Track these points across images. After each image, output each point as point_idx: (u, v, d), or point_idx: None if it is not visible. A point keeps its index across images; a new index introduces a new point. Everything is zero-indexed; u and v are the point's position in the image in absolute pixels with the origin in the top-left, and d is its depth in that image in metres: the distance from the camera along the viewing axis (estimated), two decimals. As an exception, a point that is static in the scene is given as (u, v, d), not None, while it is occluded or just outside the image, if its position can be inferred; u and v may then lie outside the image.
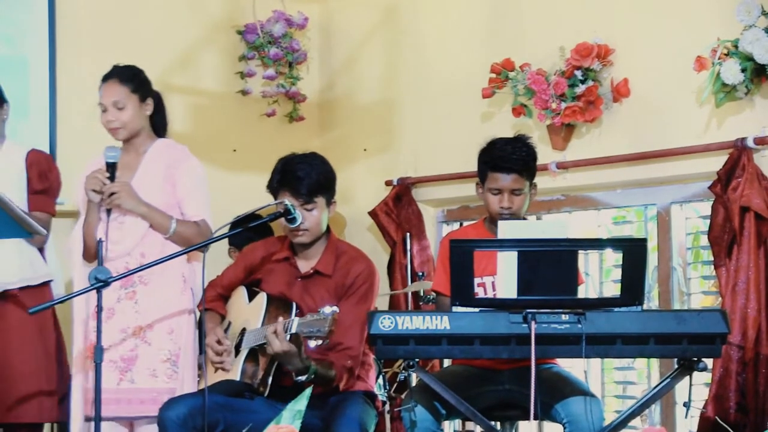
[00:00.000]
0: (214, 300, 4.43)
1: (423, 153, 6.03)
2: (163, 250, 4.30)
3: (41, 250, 4.73)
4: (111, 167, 4.27)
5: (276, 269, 4.33)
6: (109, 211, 4.28)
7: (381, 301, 5.68)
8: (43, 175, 4.68)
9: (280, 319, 3.99)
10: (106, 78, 4.43)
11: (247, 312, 4.31)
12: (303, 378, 3.96)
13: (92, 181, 4.27)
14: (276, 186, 4.23)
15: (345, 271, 4.22)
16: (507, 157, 4.20)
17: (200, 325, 4.50)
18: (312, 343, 3.87)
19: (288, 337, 3.92)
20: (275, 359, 4.03)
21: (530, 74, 5.27)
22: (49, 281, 4.70)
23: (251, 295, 4.38)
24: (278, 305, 4.21)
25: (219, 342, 4.24)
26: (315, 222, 4.20)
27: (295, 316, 4.12)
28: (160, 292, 4.30)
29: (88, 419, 4.25)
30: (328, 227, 4.32)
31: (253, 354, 4.18)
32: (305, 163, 4.22)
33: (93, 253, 4.29)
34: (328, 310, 3.84)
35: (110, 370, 4.21)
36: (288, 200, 4.15)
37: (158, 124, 4.53)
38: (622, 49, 5.10)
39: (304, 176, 4.17)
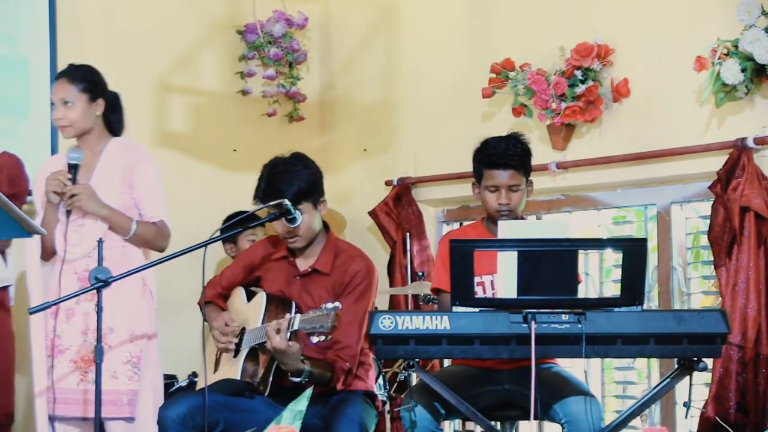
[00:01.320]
0: (216, 298, 4.43)
1: (423, 153, 6.03)
2: (123, 251, 4.32)
3: (2, 253, 4.71)
4: (73, 169, 4.27)
5: (275, 268, 4.33)
6: (68, 213, 4.28)
7: (381, 301, 5.68)
8: (12, 180, 4.66)
9: (287, 315, 3.99)
10: (59, 76, 4.44)
11: (246, 312, 4.31)
12: (297, 380, 3.96)
13: (53, 182, 4.27)
14: (261, 197, 4.21)
15: (343, 269, 4.22)
16: (502, 154, 4.21)
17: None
18: (314, 339, 3.86)
19: (288, 335, 3.92)
20: (273, 357, 4.02)
21: (530, 74, 5.28)
22: (8, 286, 4.69)
23: (249, 296, 4.38)
24: (278, 304, 4.21)
25: (226, 324, 4.25)
26: (305, 227, 4.20)
27: (295, 314, 4.12)
28: (120, 294, 4.24)
29: (50, 419, 4.26)
30: (327, 226, 4.33)
31: (254, 353, 4.18)
32: (286, 173, 4.18)
33: (50, 252, 4.33)
34: (330, 305, 3.84)
35: (71, 371, 4.23)
36: (274, 211, 4.14)
37: (115, 124, 4.50)
38: (622, 49, 5.11)
39: (285, 188, 4.14)
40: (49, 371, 4.25)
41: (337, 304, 3.85)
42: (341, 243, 4.36)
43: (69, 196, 4.24)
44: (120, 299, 4.26)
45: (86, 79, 4.41)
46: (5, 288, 4.69)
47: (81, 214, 4.30)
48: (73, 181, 4.27)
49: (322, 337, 3.84)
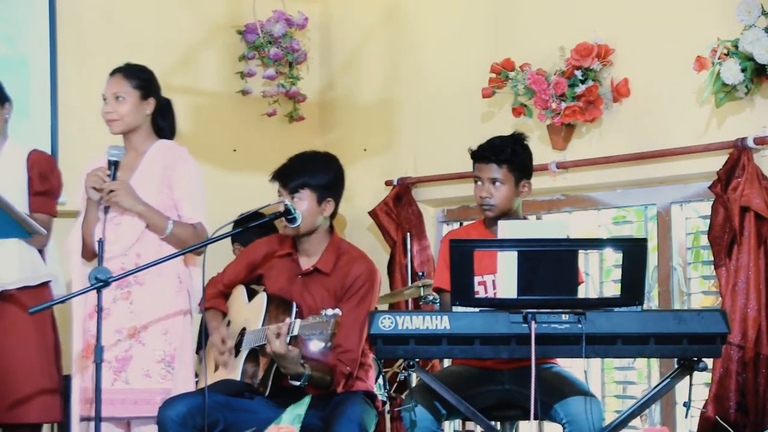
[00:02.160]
0: (215, 297, 4.43)
1: (423, 153, 6.03)
2: (159, 251, 4.30)
3: (42, 251, 4.73)
4: (113, 165, 4.27)
5: (278, 265, 4.34)
6: (106, 210, 4.28)
7: (381, 301, 5.68)
8: (44, 176, 4.68)
9: (287, 320, 3.99)
10: (114, 72, 4.46)
11: (247, 311, 4.31)
12: (297, 383, 3.96)
13: (93, 178, 4.27)
14: (273, 175, 4.28)
15: (345, 271, 4.22)
16: (486, 146, 4.27)
17: (202, 324, 4.51)
18: (313, 347, 3.86)
19: (288, 339, 3.92)
20: (273, 360, 4.03)
21: (530, 74, 5.28)
22: (49, 281, 4.70)
23: (250, 295, 4.39)
24: (278, 305, 4.21)
25: (223, 341, 4.25)
26: (303, 214, 4.20)
27: (296, 316, 4.12)
28: (155, 292, 4.28)
29: (83, 419, 4.26)
30: (332, 227, 4.33)
31: (254, 354, 4.18)
32: (305, 159, 4.27)
33: (92, 252, 4.30)
34: (330, 312, 3.83)
35: (105, 371, 4.19)
36: (280, 190, 4.20)
37: (165, 129, 4.53)
38: (622, 49, 5.11)
39: (294, 170, 4.22)
40: (84, 372, 4.26)
41: (337, 311, 3.84)
42: (344, 244, 4.36)
43: (107, 191, 4.25)
44: (155, 297, 4.27)
45: (141, 77, 4.45)
46: (46, 284, 4.69)
47: (119, 212, 4.30)
48: (113, 177, 4.27)
49: (321, 345, 3.84)
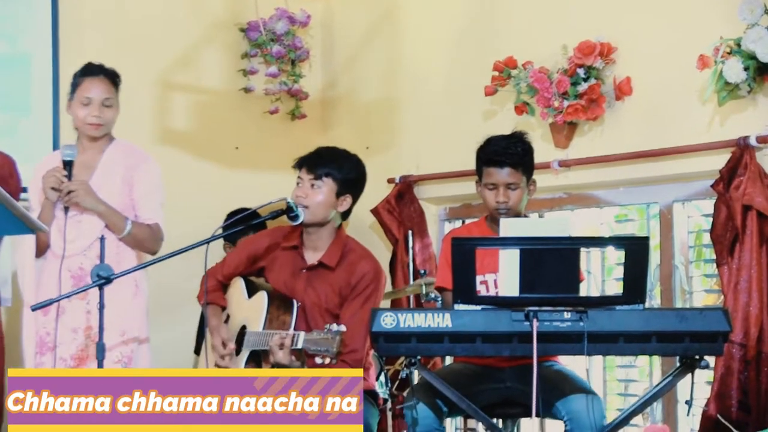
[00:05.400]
0: (214, 290, 4.41)
1: (425, 151, 6.03)
2: (118, 251, 4.33)
3: None
4: (68, 165, 4.29)
5: (282, 258, 4.33)
6: (66, 209, 4.29)
7: (383, 299, 5.68)
8: (2, 179, 4.65)
9: (290, 332, 3.99)
10: (95, 73, 4.44)
11: (247, 309, 4.30)
12: None
13: (50, 179, 4.30)
14: (300, 161, 4.33)
15: (351, 269, 4.22)
16: (501, 152, 4.23)
17: (200, 325, 4.51)
18: (318, 360, 3.86)
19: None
20: (276, 368, 4.02)
21: (533, 72, 5.27)
22: None
23: (249, 288, 4.37)
24: (279, 305, 4.20)
25: (224, 344, 4.24)
26: (314, 201, 4.22)
27: (297, 314, 4.12)
28: (112, 294, 4.24)
29: None
30: (340, 225, 4.34)
31: (255, 355, 4.17)
32: (335, 150, 4.37)
33: (44, 248, 4.35)
34: (335, 328, 3.83)
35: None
36: (302, 174, 4.26)
37: None
38: (625, 47, 5.10)
39: (320, 152, 4.32)
40: (39, 368, 4.25)
41: (342, 327, 3.85)
42: (351, 242, 4.36)
43: (66, 192, 4.26)
44: (112, 300, 4.26)
45: (118, 81, 4.47)
46: None
47: (79, 210, 4.31)
48: (69, 177, 4.29)
49: (327, 360, 3.84)
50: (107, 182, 4.37)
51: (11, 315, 4.72)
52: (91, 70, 4.46)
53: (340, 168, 4.26)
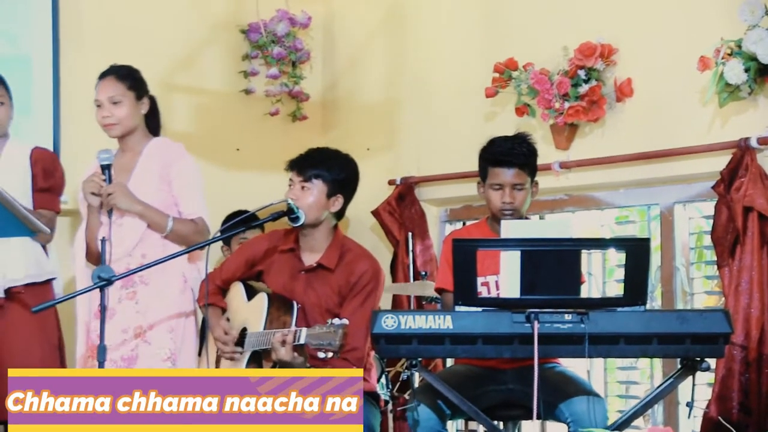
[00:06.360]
0: (213, 294, 4.41)
1: (426, 152, 6.03)
2: (164, 250, 4.32)
3: (45, 247, 4.73)
4: (106, 169, 4.31)
5: (280, 261, 4.33)
6: (110, 213, 4.30)
7: (384, 300, 5.67)
8: (47, 173, 4.69)
9: (292, 328, 3.98)
10: (104, 75, 4.48)
11: (247, 311, 4.30)
12: None
13: (90, 184, 4.33)
14: (290, 163, 4.32)
15: (350, 268, 4.22)
16: (507, 152, 4.23)
17: (203, 326, 4.51)
18: (321, 354, 3.86)
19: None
20: (278, 365, 4.02)
21: (533, 74, 5.27)
22: (53, 279, 4.71)
23: (249, 293, 4.37)
24: (279, 306, 4.20)
25: (226, 333, 4.25)
26: (305, 203, 4.21)
27: (297, 315, 4.12)
28: (160, 291, 4.30)
29: None
30: (336, 225, 4.34)
31: (256, 356, 4.17)
32: (323, 151, 4.33)
33: (96, 256, 4.34)
34: (337, 321, 3.82)
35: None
36: (292, 176, 4.25)
37: (153, 126, 4.55)
38: (626, 48, 5.10)
39: (309, 155, 4.29)
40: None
41: (345, 321, 3.83)
42: (348, 242, 4.36)
43: (105, 195, 4.28)
44: (161, 296, 4.28)
45: (132, 77, 4.48)
46: (50, 281, 4.69)
47: (120, 213, 4.33)
48: (108, 181, 4.31)
49: (330, 354, 3.83)
50: (145, 182, 4.39)
51: (66, 318, 4.72)
52: (102, 73, 4.49)
53: (329, 169, 4.25)
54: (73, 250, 4.45)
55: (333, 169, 4.26)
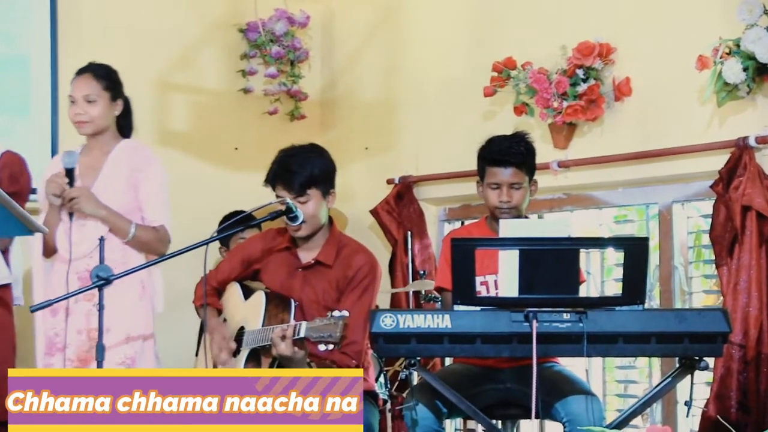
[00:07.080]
0: (209, 295, 4.40)
1: (424, 151, 6.03)
2: (124, 253, 4.33)
3: (5, 251, 4.71)
4: (69, 173, 4.30)
5: (276, 260, 4.32)
6: (71, 214, 4.30)
7: (382, 300, 5.68)
8: (14, 178, 4.66)
9: (292, 322, 3.98)
10: (81, 72, 4.46)
11: (244, 310, 4.30)
12: None
13: (52, 185, 4.30)
14: (271, 179, 4.24)
15: (347, 263, 4.22)
16: (505, 151, 4.23)
17: (201, 328, 4.50)
18: (322, 347, 3.85)
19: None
20: (275, 359, 4.02)
21: (532, 73, 5.27)
22: (7, 284, 4.69)
23: (245, 292, 4.37)
24: (277, 303, 4.20)
25: (224, 338, 4.25)
26: (310, 214, 4.19)
27: (295, 313, 4.12)
28: (118, 295, 4.23)
29: None
30: (331, 220, 4.33)
31: (255, 354, 4.16)
32: (300, 156, 4.22)
33: (51, 249, 4.35)
34: (337, 313, 3.82)
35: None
36: (282, 194, 4.16)
37: (125, 127, 4.53)
38: (624, 47, 5.11)
39: (297, 170, 4.17)
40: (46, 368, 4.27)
41: (345, 312, 3.82)
42: (344, 237, 4.36)
43: (68, 199, 4.27)
44: (118, 301, 4.25)
45: (109, 77, 4.46)
46: (6, 286, 4.68)
47: (83, 216, 4.31)
48: (71, 184, 4.29)
49: (330, 346, 3.82)
50: (112, 185, 4.37)
51: (22, 315, 4.72)
52: (80, 70, 4.48)
53: (316, 171, 4.18)
54: (28, 243, 4.41)
55: (317, 170, 4.20)
